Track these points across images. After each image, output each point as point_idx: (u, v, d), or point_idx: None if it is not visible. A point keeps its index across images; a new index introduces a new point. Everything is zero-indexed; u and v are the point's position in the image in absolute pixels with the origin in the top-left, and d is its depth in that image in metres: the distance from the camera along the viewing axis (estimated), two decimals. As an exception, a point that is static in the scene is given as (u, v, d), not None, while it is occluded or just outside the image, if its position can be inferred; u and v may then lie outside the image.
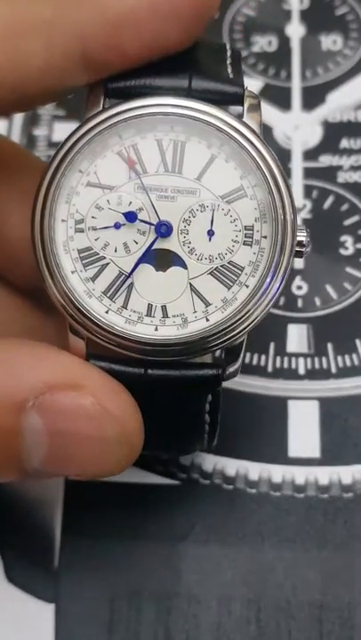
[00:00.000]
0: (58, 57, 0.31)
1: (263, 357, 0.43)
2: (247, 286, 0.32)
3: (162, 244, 0.32)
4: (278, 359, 0.43)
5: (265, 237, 0.32)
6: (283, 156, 0.47)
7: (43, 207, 0.32)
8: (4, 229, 0.36)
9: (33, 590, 0.39)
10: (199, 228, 0.32)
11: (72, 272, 0.32)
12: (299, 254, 0.33)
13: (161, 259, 0.33)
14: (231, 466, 0.41)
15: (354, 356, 0.43)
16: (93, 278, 0.32)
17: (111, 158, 0.33)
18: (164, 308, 0.32)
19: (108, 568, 0.39)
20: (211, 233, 0.32)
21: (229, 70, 0.33)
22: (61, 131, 0.49)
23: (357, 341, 0.43)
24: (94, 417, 0.30)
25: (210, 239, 0.32)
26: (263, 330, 0.43)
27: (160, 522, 0.40)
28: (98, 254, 0.32)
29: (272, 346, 0.43)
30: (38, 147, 0.49)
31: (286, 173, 0.33)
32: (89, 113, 0.33)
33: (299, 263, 0.45)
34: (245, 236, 0.32)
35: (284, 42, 0.50)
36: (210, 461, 0.41)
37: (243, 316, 0.32)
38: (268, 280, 0.32)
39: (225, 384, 0.42)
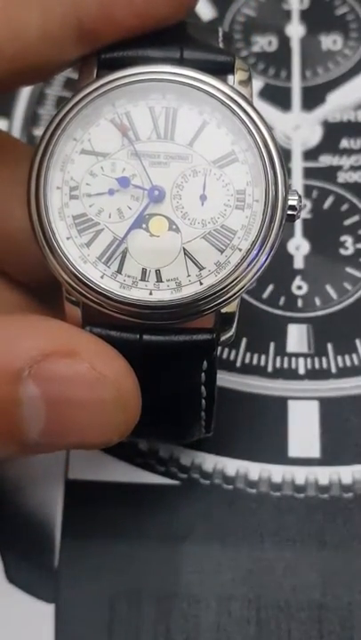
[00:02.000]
0: (54, 26, 0.32)
1: (263, 357, 0.43)
2: (240, 249, 0.33)
3: (155, 209, 0.33)
4: (278, 359, 0.43)
5: (257, 201, 0.33)
6: (283, 156, 0.47)
7: (38, 175, 0.33)
8: (5, 222, 0.36)
9: (33, 590, 0.39)
10: (192, 192, 0.33)
11: (67, 238, 0.33)
12: (291, 218, 0.33)
13: (155, 223, 0.33)
14: (231, 466, 0.41)
15: (354, 356, 0.43)
16: (88, 244, 0.33)
17: (104, 126, 0.33)
18: (158, 272, 0.33)
19: (108, 568, 0.39)
20: (203, 197, 0.33)
21: (221, 44, 0.34)
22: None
23: (357, 341, 0.43)
24: (90, 382, 0.30)
25: (202, 204, 0.33)
26: (263, 330, 0.44)
27: (160, 522, 0.40)
28: (92, 220, 0.33)
29: (272, 346, 0.43)
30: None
31: (262, 115, 0.33)
32: (82, 83, 0.33)
33: (299, 263, 0.45)
34: (237, 200, 0.33)
35: (284, 42, 0.50)
36: (210, 461, 0.41)
37: (236, 279, 0.32)
38: (260, 243, 0.32)
39: (225, 384, 0.42)
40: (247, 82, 0.33)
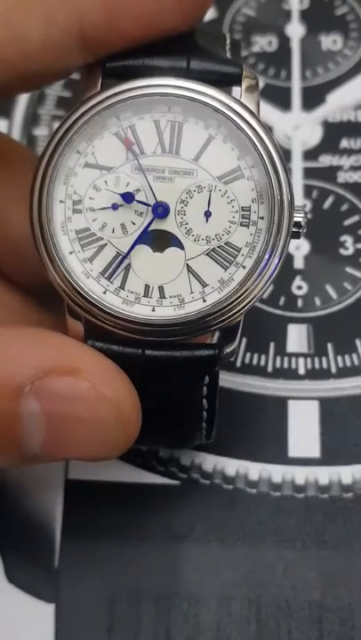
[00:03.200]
0: (57, 33, 0.31)
1: (263, 357, 0.43)
2: (244, 267, 0.32)
3: (159, 225, 0.33)
4: (278, 359, 0.43)
5: (262, 218, 0.32)
6: (283, 156, 0.47)
7: (40, 188, 0.32)
8: (5, 227, 0.36)
9: (33, 590, 0.39)
10: (196, 208, 0.33)
11: (70, 253, 0.33)
12: (296, 235, 0.33)
13: (158, 239, 0.33)
14: (231, 466, 0.41)
15: (354, 356, 0.43)
16: (91, 259, 0.33)
17: (109, 139, 0.33)
18: (161, 288, 0.33)
19: (108, 568, 0.39)
20: (208, 214, 0.33)
21: (228, 54, 0.34)
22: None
23: (357, 341, 0.43)
24: (90, 401, 0.31)
25: (207, 220, 0.33)
26: (263, 330, 0.44)
27: (160, 522, 0.40)
28: (95, 235, 0.33)
29: (272, 346, 0.43)
30: (38, 147, 0.49)
31: (269, 131, 0.33)
32: (87, 93, 0.33)
33: (299, 263, 0.45)
34: (242, 217, 0.33)
35: (284, 42, 0.50)
36: (210, 461, 0.41)
37: (239, 297, 0.32)
38: (265, 261, 0.32)
39: (225, 384, 0.42)
40: (255, 87, 0.33)
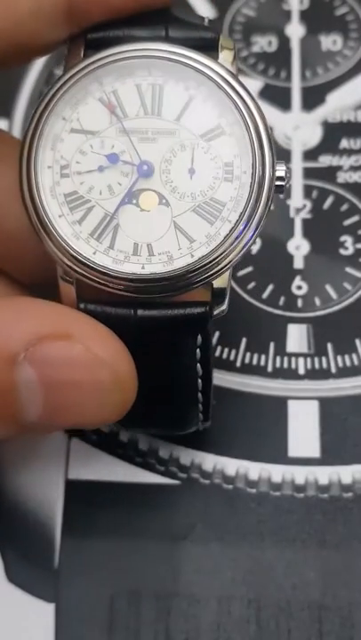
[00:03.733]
0: (45, 2, 0.32)
1: (263, 357, 0.43)
2: (230, 221, 0.33)
3: (145, 184, 0.33)
4: (278, 359, 0.43)
5: (245, 173, 0.33)
6: (283, 156, 0.47)
7: (28, 155, 0.33)
8: (3, 221, 0.36)
9: (33, 590, 0.39)
10: (180, 166, 0.33)
11: (59, 216, 0.33)
12: (279, 189, 0.34)
13: (145, 198, 0.33)
14: (231, 466, 0.41)
15: (354, 356, 0.43)
16: (80, 221, 0.33)
17: (93, 104, 0.34)
18: (149, 246, 0.33)
19: (108, 568, 0.39)
20: (192, 171, 0.33)
21: (205, 24, 0.35)
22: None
23: (357, 341, 0.43)
24: (85, 364, 0.31)
25: (191, 177, 0.33)
26: (263, 330, 0.44)
27: (160, 522, 0.40)
28: (83, 197, 0.33)
29: (272, 346, 0.43)
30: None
31: (248, 88, 0.33)
32: (69, 63, 0.34)
33: (299, 263, 0.45)
34: (226, 173, 0.33)
35: (284, 42, 0.50)
36: (210, 461, 0.41)
37: (226, 250, 0.33)
38: (249, 213, 0.33)
39: (225, 384, 0.42)
40: (233, 58, 0.34)
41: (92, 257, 0.33)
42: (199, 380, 0.35)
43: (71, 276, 0.33)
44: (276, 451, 0.41)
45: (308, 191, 0.46)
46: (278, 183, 0.33)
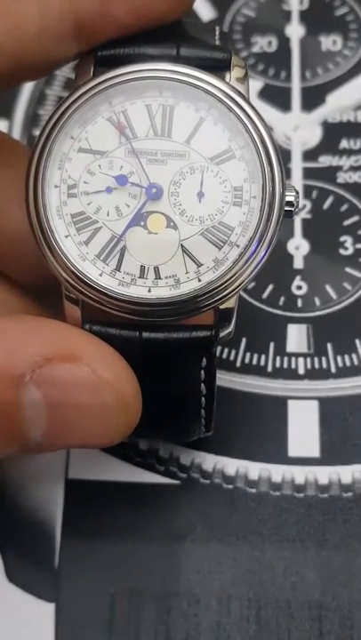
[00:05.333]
0: (52, 20, 0.32)
1: (263, 357, 0.43)
2: (238, 246, 0.33)
3: (153, 207, 0.33)
4: (278, 359, 0.43)
5: (254, 197, 0.33)
6: (282, 156, 0.47)
7: (35, 174, 0.33)
8: (4, 224, 0.36)
9: (33, 590, 0.39)
10: (189, 189, 0.33)
11: (66, 236, 0.33)
12: (288, 214, 0.33)
13: (152, 221, 0.33)
14: (231, 465, 0.41)
15: (354, 356, 0.43)
16: (87, 242, 0.33)
17: (102, 124, 0.33)
18: (156, 269, 0.33)
19: (108, 568, 0.39)
20: (201, 194, 0.33)
21: (217, 42, 0.34)
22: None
23: (357, 341, 0.43)
24: (91, 386, 0.31)
25: (200, 201, 0.33)
26: (263, 330, 0.44)
27: (160, 521, 0.40)
28: (91, 218, 0.33)
29: (272, 346, 0.43)
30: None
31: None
32: (79, 81, 0.33)
33: (298, 263, 0.45)
34: (235, 197, 0.33)
35: (284, 42, 0.50)
36: (210, 461, 0.41)
37: (234, 275, 0.33)
38: (258, 239, 0.32)
39: (225, 384, 0.42)
40: (244, 78, 0.34)
41: (98, 279, 0.33)
42: (202, 399, 0.35)
43: (76, 296, 0.33)
44: (276, 451, 0.41)
45: (308, 191, 0.46)
46: (288, 208, 0.33)
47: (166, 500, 0.40)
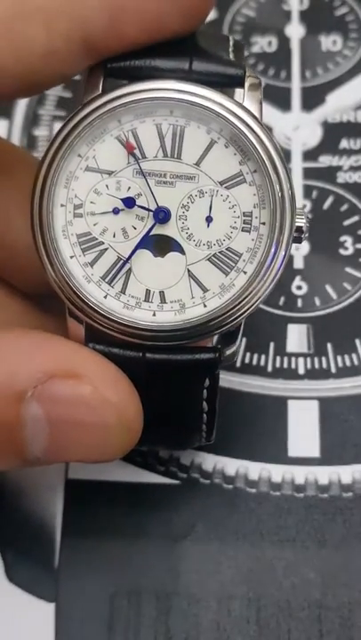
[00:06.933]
0: (59, 42, 0.31)
1: (263, 357, 0.43)
2: (245, 273, 0.32)
3: (160, 230, 0.33)
4: (278, 359, 0.43)
5: (263, 224, 0.32)
6: (283, 156, 0.47)
7: (41, 192, 0.32)
8: (6, 232, 0.36)
9: (33, 590, 0.39)
10: (198, 214, 0.32)
11: (71, 257, 0.33)
12: (297, 240, 0.33)
13: (159, 244, 0.33)
14: (231, 465, 0.41)
15: (354, 356, 0.43)
16: (92, 263, 0.33)
17: (110, 143, 0.33)
18: (162, 293, 0.33)
19: (109, 567, 0.39)
20: (209, 219, 0.32)
21: (231, 55, 0.33)
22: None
23: (357, 341, 0.43)
24: (94, 405, 0.31)
25: (208, 225, 0.32)
26: (263, 330, 0.44)
27: (160, 521, 0.40)
28: (96, 239, 0.33)
29: (272, 346, 0.43)
30: (38, 147, 0.49)
31: (271, 135, 0.32)
32: (88, 95, 0.32)
33: (298, 263, 0.45)
34: (244, 222, 0.32)
35: (284, 42, 0.50)
36: (210, 461, 0.41)
37: (240, 303, 0.32)
38: (266, 266, 0.32)
39: (225, 384, 0.42)
40: (258, 96, 0.33)
41: (103, 301, 0.32)
42: (204, 415, 0.35)
43: (80, 318, 0.32)
44: (276, 450, 0.41)
45: (308, 191, 0.46)
46: (296, 235, 0.33)
47: (166, 500, 0.40)
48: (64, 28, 0.31)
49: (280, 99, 0.49)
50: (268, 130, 0.32)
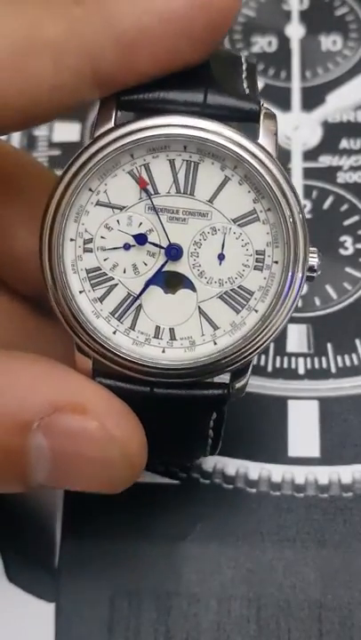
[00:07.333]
0: (68, 76, 0.30)
1: (263, 357, 0.43)
2: (256, 311, 0.32)
3: (172, 267, 0.32)
4: (278, 359, 0.43)
5: (276, 262, 0.32)
6: (282, 156, 0.47)
7: (51, 225, 0.32)
8: (10, 241, 0.36)
9: (33, 590, 0.39)
10: (210, 251, 0.32)
11: (80, 292, 0.32)
12: (310, 279, 0.32)
13: (170, 281, 0.32)
14: (231, 465, 0.41)
15: (354, 356, 0.43)
16: (102, 299, 0.32)
17: (122, 177, 0.32)
18: (172, 330, 0.32)
19: (109, 568, 0.39)
20: (221, 257, 0.32)
21: (245, 85, 0.33)
22: (62, 131, 0.49)
23: (357, 341, 0.43)
24: (98, 440, 0.31)
25: (220, 263, 0.32)
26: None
27: (160, 522, 0.40)
28: (106, 275, 0.32)
29: (272, 346, 0.43)
30: (38, 147, 0.49)
31: (286, 174, 0.32)
32: (100, 127, 0.32)
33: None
34: (256, 261, 0.32)
35: (284, 42, 0.50)
36: (210, 461, 0.41)
37: (251, 341, 0.32)
38: (279, 305, 0.32)
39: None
40: (273, 131, 0.32)
41: (112, 337, 0.32)
42: (209, 440, 0.35)
43: (88, 353, 0.32)
44: (276, 450, 0.41)
45: (308, 191, 0.46)
46: (309, 274, 0.32)
47: (166, 500, 0.40)
48: (73, 62, 0.30)
49: (280, 99, 0.49)
50: (282, 168, 0.32)
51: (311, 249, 0.32)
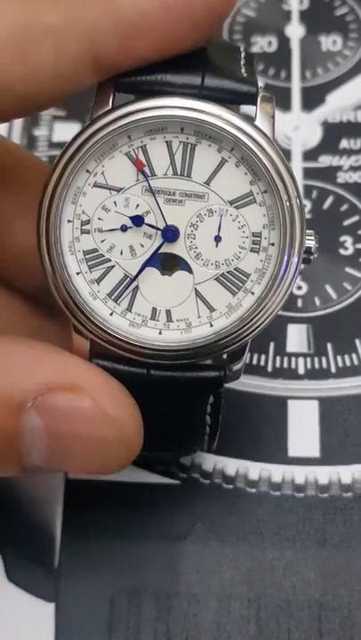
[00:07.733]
0: (69, 63, 0.30)
1: (263, 357, 0.43)
2: (253, 293, 0.32)
3: (168, 249, 0.32)
4: (278, 359, 0.43)
5: (272, 245, 0.32)
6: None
7: (49, 207, 0.32)
8: (8, 234, 0.36)
9: (33, 589, 0.39)
10: (206, 233, 0.32)
11: (77, 273, 0.32)
12: (306, 261, 0.32)
13: (167, 263, 0.32)
14: (231, 465, 0.41)
15: (354, 356, 0.43)
16: (99, 280, 0.32)
17: (119, 159, 0.32)
18: (168, 312, 0.32)
19: (109, 567, 0.39)
20: (218, 239, 0.32)
21: (243, 70, 0.33)
22: (62, 131, 0.49)
23: (357, 341, 0.43)
24: (92, 419, 0.31)
25: (217, 245, 0.32)
26: (263, 329, 0.44)
27: (160, 522, 0.40)
28: (103, 256, 0.32)
29: (272, 346, 0.43)
30: (39, 147, 0.49)
31: (283, 156, 0.32)
32: (98, 110, 0.32)
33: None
34: (253, 243, 0.32)
35: (284, 42, 0.50)
36: (210, 461, 0.41)
37: (247, 323, 0.32)
38: (275, 287, 0.32)
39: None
40: (271, 114, 0.32)
41: (109, 318, 0.32)
42: (207, 427, 0.35)
43: (85, 335, 0.32)
44: (276, 450, 0.41)
45: (308, 191, 0.46)
46: (305, 256, 0.32)
47: (166, 500, 0.40)
48: (74, 48, 0.30)
49: (280, 99, 0.49)
50: (279, 150, 0.32)
51: (308, 231, 0.32)
